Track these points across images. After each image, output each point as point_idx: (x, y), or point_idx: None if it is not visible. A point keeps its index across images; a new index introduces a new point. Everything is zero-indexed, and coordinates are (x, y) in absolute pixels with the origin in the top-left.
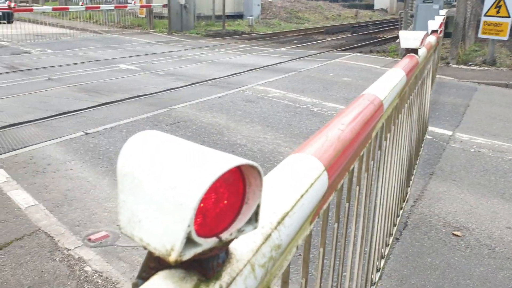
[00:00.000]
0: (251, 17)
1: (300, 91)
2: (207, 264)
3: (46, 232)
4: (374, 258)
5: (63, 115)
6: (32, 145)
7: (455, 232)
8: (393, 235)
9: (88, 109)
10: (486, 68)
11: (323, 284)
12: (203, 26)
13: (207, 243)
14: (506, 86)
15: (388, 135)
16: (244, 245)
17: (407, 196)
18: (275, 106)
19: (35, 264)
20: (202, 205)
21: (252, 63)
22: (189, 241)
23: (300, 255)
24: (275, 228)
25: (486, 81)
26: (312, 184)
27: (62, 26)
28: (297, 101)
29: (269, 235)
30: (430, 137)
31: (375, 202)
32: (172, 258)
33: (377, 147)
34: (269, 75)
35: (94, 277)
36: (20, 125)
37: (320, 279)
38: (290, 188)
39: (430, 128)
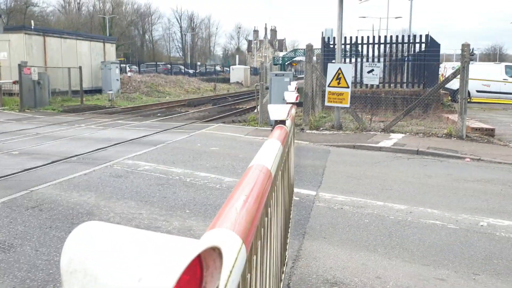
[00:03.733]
0: (110, 92)
1: (170, 162)
2: None
3: None
4: None
5: None
6: None
7: None
8: None
9: None
10: (335, 132)
11: None
12: (59, 102)
13: None
14: (353, 147)
15: (271, 201)
16: None
17: (286, 259)
18: (147, 179)
19: None
20: None
21: (117, 137)
22: None
23: None
24: None
25: (337, 143)
26: (236, 258)
27: None
28: (168, 172)
29: None
30: (297, 199)
31: (265, 270)
32: None
33: (264, 214)
34: (137, 149)
35: None
36: None
37: None
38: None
39: (296, 190)
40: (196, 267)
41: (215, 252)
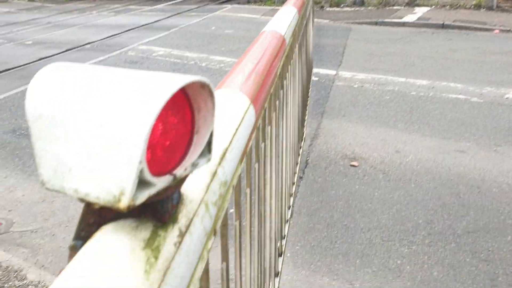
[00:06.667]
0: None
1: (185, 47)
2: (161, 207)
3: None
4: (284, 196)
5: None
6: None
7: (352, 163)
8: (297, 174)
9: None
10: (357, 9)
11: (251, 224)
12: None
13: (161, 182)
14: (376, 24)
15: (287, 74)
16: (193, 185)
17: (304, 136)
18: (162, 65)
19: None
20: (149, 138)
21: (130, 23)
22: (140, 183)
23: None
24: (219, 164)
25: (358, 20)
26: (243, 117)
27: None
28: (183, 57)
29: (215, 172)
30: (316, 79)
31: (281, 142)
32: (124, 204)
33: (279, 86)
34: (150, 34)
35: None
36: None
37: (250, 220)
38: (224, 122)
39: (315, 70)
40: (185, 109)
41: (205, 91)
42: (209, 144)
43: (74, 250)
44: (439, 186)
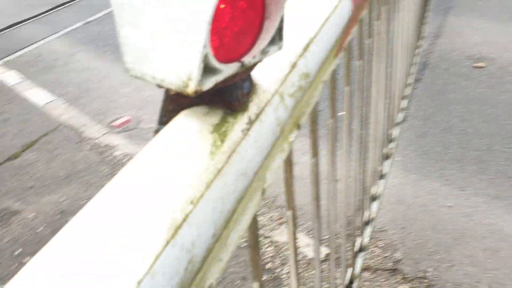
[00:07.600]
0: None
1: None
2: (230, 95)
3: (69, 125)
4: (395, 97)
5: (61, 7)
6: (36, 42)
7: (478, 64)
8: (413, 75)
9: None
10: None
11: (352, 125)
12: None
13: (228, 69)
14: None
15: None
16: (269, 76)
17: (424, 34)
18: None
19: (66, 156)
20: (216, 24)
21: None
22: (207, 69)
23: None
24: (301, 55)
25: None
26: (336, 6)
27: None
28: None
29: (295, 63)
30: None
31: (393, 40)
32: (191, 89)
33: None
34: None
35: (126, 160)
36: (20, 24)
37: (349, 119)
38: (312, 10)
39: None
40: None
41: None
42: (279, 30)
43: (157, 133)
44: None
